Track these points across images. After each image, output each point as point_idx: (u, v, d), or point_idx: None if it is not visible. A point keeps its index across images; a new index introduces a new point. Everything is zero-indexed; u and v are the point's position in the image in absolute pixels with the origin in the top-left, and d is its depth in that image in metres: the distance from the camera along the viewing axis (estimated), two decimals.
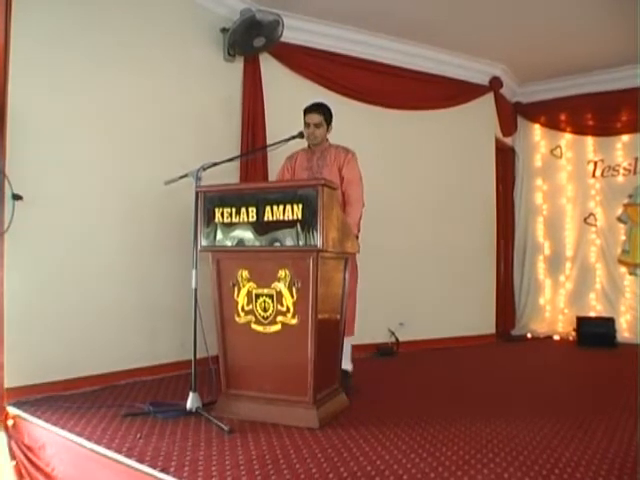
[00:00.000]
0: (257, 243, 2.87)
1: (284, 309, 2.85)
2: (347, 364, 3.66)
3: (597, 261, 6.28)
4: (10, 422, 2.95)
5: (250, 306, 2.93)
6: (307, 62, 5.03)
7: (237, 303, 2.96)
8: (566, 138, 6.57)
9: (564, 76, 6.22)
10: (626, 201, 6.14)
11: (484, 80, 6.09)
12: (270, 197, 2.84)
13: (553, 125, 6.63)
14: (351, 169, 3.65)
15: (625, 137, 6.17)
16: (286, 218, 2.79)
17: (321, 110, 3.65)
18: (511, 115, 6.68)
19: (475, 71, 5.99)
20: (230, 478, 2.13)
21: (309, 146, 3.75)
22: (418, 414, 3.05)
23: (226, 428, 2.67)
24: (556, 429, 2.76)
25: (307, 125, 3.65)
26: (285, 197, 2.80)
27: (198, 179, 3.06)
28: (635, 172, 6.09)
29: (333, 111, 3.74)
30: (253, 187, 3.12)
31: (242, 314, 2.96)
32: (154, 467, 2.22)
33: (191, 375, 2.97)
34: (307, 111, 3.66)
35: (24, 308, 3.27)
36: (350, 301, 3.52)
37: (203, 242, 3.01)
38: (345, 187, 3.64)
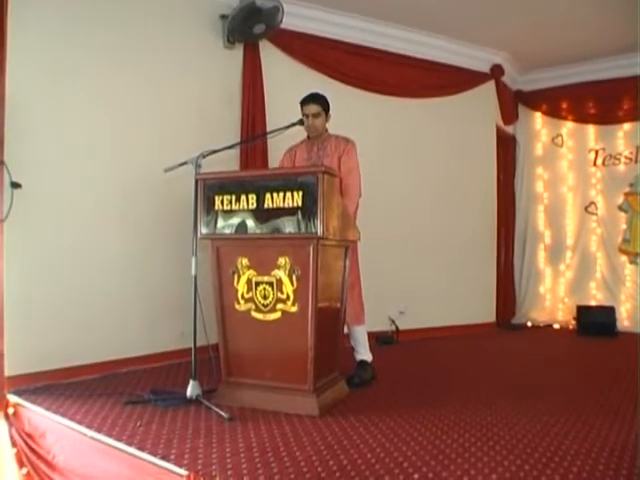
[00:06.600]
0: (257, 230, 2.86)
1: (284, 297, 2.84)
2: (366, 354, 3.62)
3: (598, 250, 6.26)
4: (11, 410, 2.96)
5: (250, 294, 2.93)
6: (307, 49, 4.98)
7: (237, 291, 2.96)
8: (567, 126, 6.52)
9: (566, 64, 6.16)
10: (627, 190, 6.11)
11: (485, 68, 6.05)
12: (270, 184, 2.83)
13: (554, 113, 6.58)
14: (349, 158, 3.58)
15: (627, 125, 6.13)
16: (286, 205, 2.77)
17: (318, 100, 3.58)
18: (512, 103, 6.63)
19: (476, 59, 5.95)
20: (230, 465, 2.13)
21: (308, 137, 3.72)
22: (418, 402, 3.06)
23: (226, 416, 2.68)
24: (555, 418, 2.76)
25: (305, 116, 3.60)
26: (285, 184, 2.79)
27: (198, 166, 3.05)
28: (636, 161, 6.06)
29: (333, 99, 3.69)
30: (253, 174, 3.10)
31: (242, 302, 2.95)
32: (154, 455, 2.23)
33: (191, 363, 2.97)
34: (304, 102, 3.59)
35: (24, 296, 3.27)
36: (356, 290, 3.51)
37: (203, 230, 3.00)
38: (342, 176, 3.58)
